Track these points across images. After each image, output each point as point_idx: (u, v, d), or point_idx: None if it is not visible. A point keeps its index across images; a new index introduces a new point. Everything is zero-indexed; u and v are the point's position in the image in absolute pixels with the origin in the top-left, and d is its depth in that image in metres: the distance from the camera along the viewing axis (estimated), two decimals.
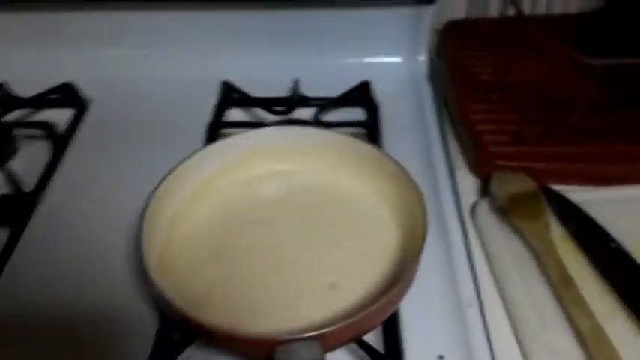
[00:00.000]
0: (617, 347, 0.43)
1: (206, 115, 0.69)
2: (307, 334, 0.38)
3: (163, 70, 0.75)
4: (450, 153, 0.64)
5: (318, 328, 0.41)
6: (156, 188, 0.49)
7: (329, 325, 0.39)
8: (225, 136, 0.66)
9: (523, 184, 0.56)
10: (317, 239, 0.50)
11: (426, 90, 0.74)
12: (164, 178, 0.50)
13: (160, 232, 0.49)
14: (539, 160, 0.59)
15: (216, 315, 0.44)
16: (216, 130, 0.67)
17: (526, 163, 0.59)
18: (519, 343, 0.46)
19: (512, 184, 0.56)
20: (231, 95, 0.72)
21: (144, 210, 0.47)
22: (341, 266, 0.48)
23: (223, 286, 0.47)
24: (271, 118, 0.69)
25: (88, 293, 0.51)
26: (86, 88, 0.73)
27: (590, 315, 0.45)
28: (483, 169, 0.61)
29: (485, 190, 0.59)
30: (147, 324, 0.47)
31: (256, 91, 0.72)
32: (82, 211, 0.58)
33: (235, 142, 0.54)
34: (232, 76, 0.73)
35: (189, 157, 0.52)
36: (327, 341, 0.39)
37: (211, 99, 0.72)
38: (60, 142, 0.66)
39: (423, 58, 0.77)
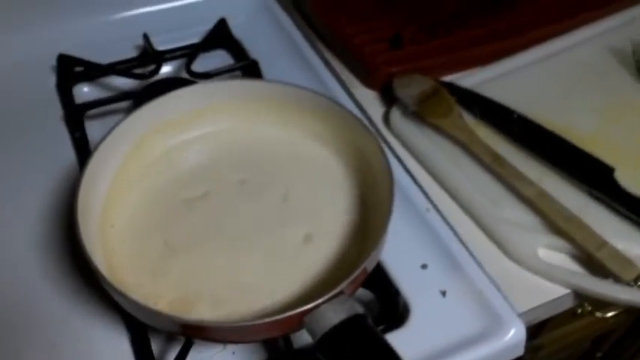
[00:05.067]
0: (562, 202, 0.48)
1: (49, 100, 0.58)
2: (332, 293, 0.35)
3: None
4: (337, 73, 0.63)
5: (326, 284, 0.39)
6: (76, 195, 0.40)
7: (342, 277, 0.37)
8: (91, 118, 0.56)
9: (423, 83, 0.58)
10: (267, 198, 0.46)
11: (282, 14, 0.70)
12: (79, 179, 0.40)
13: (97, 239, 0.40)
14: (424, 58, 0.61)
15: (207, 312, 0.39)
16: (76, 115, 0.56)
17: (413, 63, 0.60)
18: (483, 229, 0.49)
19: (414, 87, 0.58)
20: (72, 69, 0.61)
21: (75, 222, 0.38)
22: (304, 217, 0.45)
23: (193, 280, 0.41)
24: (132, 84, 0.60)
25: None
26: None
27: (530, 183, 0.49)
28: (377, 80, 0.61)
29: (388, 99, 0.59)
30: (113, 339, 0.42)
31: (99, 58, 0.61)
32: None
33: (137, 118, 0.45)
34: (63, 48, 0.61)
35: (95, 151, 0.43)
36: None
37: (52, 78, 0.60)
38: None
39: None
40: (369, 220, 0.45)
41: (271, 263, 0.43)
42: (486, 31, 0.62)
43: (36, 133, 0.55)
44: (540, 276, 0.46)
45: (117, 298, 0.37)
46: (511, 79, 0.60)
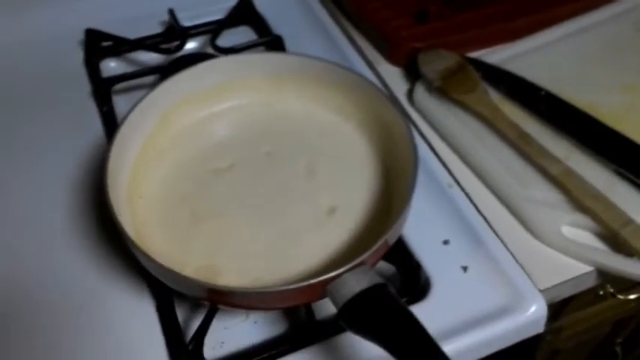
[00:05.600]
0: (588, 180, 0.47)
1: (77, 74, 0.59)
2: (354, 263, 0.36)
3: (5, 35, 0.61)
4: (361, 49, 0.62)
5: (348, 256, 0.40)
6: (105, 163, 0.40)
7: (364, 248, 0.37)
8: (118, 92, 0.57)
9: (448, 59, 0.57)
10: (292, 170, 0.46)
11: None
12: (108, 149, 0.41)
13: (125, 208, 0.41)
14: (449, 33, 0.60)
15: (232, 279, 0.40)
16: (104, 90, 0.57)
17: (438, 39, 0.60)
18: (507, 206, 0.49)
19: (438, 62, 0.57)
20: (100, 44, 0.61)
21: (104, 188, 0.39)
22: (329, 189, 0.45)
23: (219, 249, 0.42)
24: (159, 59, 0.61)
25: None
26: None
27: (557, 161, 0.49)
28: (400, 56, 0.60)
29: (412, 76, 0.59)
30: (139, 305, 0.43)
31: (127, 33, 0.61)
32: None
33: (164, 90, 0.46)
34: (91, 23, 0.62)
35: (123, 121, 0.43)
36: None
37: (75, 54, 0.60)
38: None
39: None
40: (392, 193, 0.45)
41: (295, 234, 0.43)
42: (513, 7, 0.61)
43: (64, 107, 0.56)
44: (563, 253, 0.46)
45: (145, 263, 0.38)
46: (538, 56, 0.59)
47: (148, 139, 0.46)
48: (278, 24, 0.64)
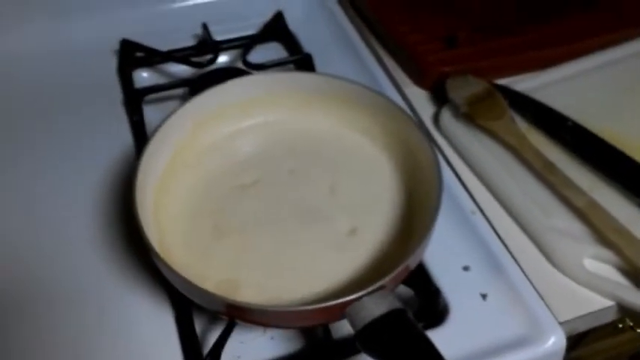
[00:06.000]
0: (612, 213, 0.47)
1: (109, 83, 0.60)
2: (374, 287, 0.36)
3: (43, 43, 0.63)
4: (389, 71, 0.63)
5: (367, 278, 0.40)
6: (134, 175, 0.41)
7: (384, 272, 0.37)
8: (149, 102, 0.58)
9: (475, 85, 0.57)
10: (314, 189, 0.47)
11: (337, 9, 0.71)
12: (138, 161, 0.42)
13: (150, 220, 0.42)
14: (478, 59, 0.61)
15: (251, 295, 0.40)
16: (135, 99, 0.58)
17: (467, 64, 0.60)
18: (529, 235, 0.48)
19: (466, 88, 0.57)
20: (133, 54, 0.63)
21: (132, 200, 0.40)
22: (350, 210, 0.46)
23: (240, 264, 0.43)
24: (190, 72, 0.62)
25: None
26: None
27: (581, 193, 0.49)
28: (428, 79, 0.61)
29: (439, 100, 0.59)
30: (158, 315, 0.44)
31: (158, 45, 0.63)
32: (17, 220, 0.50)
33: (195, 104, 0.47)
34: (128, 34, 0.63)
35: (153, 135, 0.44)
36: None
37: (113, 62, 0.62)
38: None
39: None
40: (414, 217, 0.45)
41: (316, 253, 0.44)
42: (543, 36, 0.62)
43: (96, 115, 0.58)
44: (585, 286, 0.46)
45: (167, 274, 0.39)
46: (566, 86, 0.59)
47: (176, 153, 0.47)
48: (308, 42, 0.65)
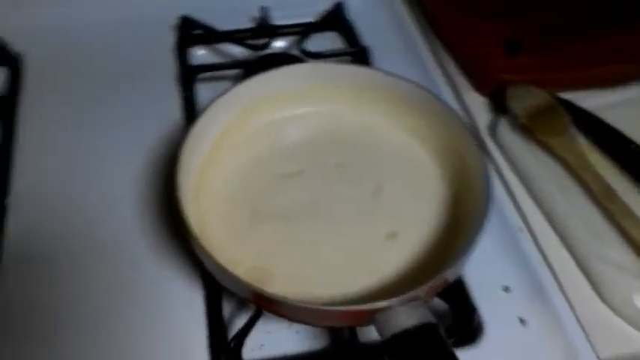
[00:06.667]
0: None
1: (168, 57, 0.60)
2: (407, 296, 0.34)
3: (108, 12, 0.63)
4: (448, 73, 0.61)
5: (400, 286, 0.39)
6: (180, 150, 0.41)
7: (420, 282, 0.36)
8: (201, 80, 0.58)
9: (538, 97, 0.55)
10: (359, 187, 0.46)
11: (399, 4, 0.69)
12: (184, 137, 0.42)
13: (191, 198, 0.42)
14: (543, 70, 0.58)
15: (282, 286, 0.39)
16: (189, 76, 0.58)
17: (530, 74, 0.57)
18: (579, 262, 0.46)
19: (528, 99, 0.54)
20: (191, 31, 0.63)
21: (175, 177, 0.40)
22: (393, 213, 0.44)
23: (274, 252, 0.42)
24: (245, 53, 0.61)
25: (108, 263, 0.45)
26: (14, 42, 0.60)
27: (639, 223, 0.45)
28: (487, 86, 0.58)
29: (497, 108, 0.57)
30: (188, 293, 0.44)
31: (218, 24, 0.62)
32: (69, 177, 0.51)
33: (248, 86, 0.46)
34: (188, 10, 0.63)
35: (203, 112, 0.44)
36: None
37: (170, 38, 0.62)
38: (4, 106, 0.54)
39: None
40: (458, 227, 0.43)
41: (353, 252, 0.42)
42: (616, 50, 0.58)
43: (148, 88, 0.57)
44: (631, 324, 0.43)
45: (200, 255, 0.38)
46: (636, 107, 0.55)
47: (224, 132, 0.46)
48: (367, 34, 0.64)
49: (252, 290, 0.36)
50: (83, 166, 0.51)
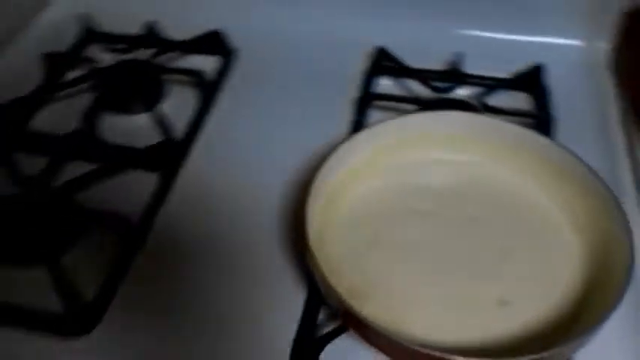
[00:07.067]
0: None
1: (353, 79, 0.64)
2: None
3: (315, 27, 0.70)
4: (637, 160, 0.55)
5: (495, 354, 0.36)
6: (324, 162, 0.45)
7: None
8: (376, 108, 0.61)
9: None
10: (486, 244, 0.44)
11: (607, 82, 0.64)
12: (332, 151, 0.45)
13: (318, 209, 0.44)
14: None
15: (376, 311, 0.40)
16: (366, 101, 0.61)
17: None
18: None
19: None
20: (383, 63, 0.66)
21: (310, 185, 0.43)
22: (512, 281, 0.42)
23: (382, 279, 0.43)
24: (426, 93, 0.63)
25: (233, 246, 0.49)
26: (234, 37, 0.69)
27: None
28: None
29: None
30: (290, 292, 0.46)
31: (410, 61, 0.65)
32: (233, 160, 0.57)
33: (411, 121, 0.49)
34: (386, 42, 0.67)
35: (356, 134, 0.47)
36: None
37: (360, 63, 0.66)
38: (209, 89, 0.63)
39: (605, 44, 0.67)
40: (582, 307, 0.40)
41: (458, 305, 0.41)
42: None
43: (327, 101, 0.62)
44: None
45: (311, 264, 0.41)
46: None
47: (371, 157, 0.48)
48: (559, 102, 0.60)
49: (344, 307, 0.37)
50: (248, 155, 0.57)
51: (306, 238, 0.40)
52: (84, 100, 0.61)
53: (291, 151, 0.56)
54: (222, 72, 0.66)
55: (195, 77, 0.63)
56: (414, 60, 0.65)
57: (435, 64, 0.65)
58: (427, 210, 0.47)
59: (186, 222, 0.51)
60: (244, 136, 0.59)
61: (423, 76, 0.64)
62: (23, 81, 0.63)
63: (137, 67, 0.65)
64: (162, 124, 0.58)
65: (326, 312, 0.45)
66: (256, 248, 0.49)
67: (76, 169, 0.53)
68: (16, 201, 0.50)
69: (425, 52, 0.66)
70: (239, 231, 0.51)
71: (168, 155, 0.56)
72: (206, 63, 0.67)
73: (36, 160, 0.54)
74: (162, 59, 0.67)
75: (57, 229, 0.49)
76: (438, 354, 0.33)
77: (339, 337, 0.41)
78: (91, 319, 0.44)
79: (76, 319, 0.44)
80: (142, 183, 0.53)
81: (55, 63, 0.65)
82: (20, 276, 0.46)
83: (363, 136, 0.47)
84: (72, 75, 0.64)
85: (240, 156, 0.57)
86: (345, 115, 0.60)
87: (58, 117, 0.60)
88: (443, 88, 0.62)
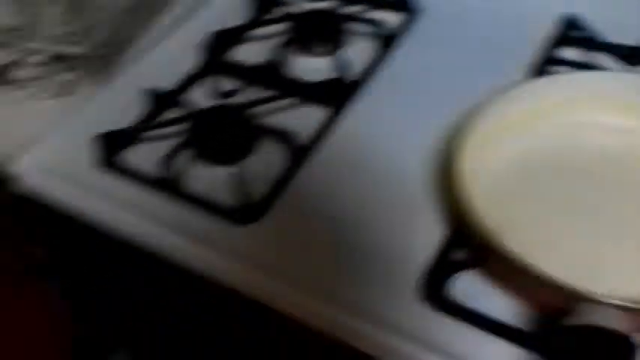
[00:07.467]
0: None
1: (529, 45, 0.63)
2: (617, 302, 0.31)
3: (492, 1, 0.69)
4: None
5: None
6: (480, 108, 0.46)
7: None
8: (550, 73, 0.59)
9: None
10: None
11: None
12: (488, 100, 0.46)
13: (473, 152, 0.45)
14: None
15: (515, 248, 0.40)
16: (543, 67, 0.60)
17: None
18: None
19: None
20: (570, 32, 0.63)
21: (466, 128, 0.45)
22: None
23: (527, 224, 0.43)
24: (612, 66, 0.59)
25: (379, 189, 0.52)
26: None
27: None
28: None
29: None
30: (427, 236, 0.47)
31: (603, 33, 0.62)
32: (398, 108, 0.60)
33: (584, 78, 0.49)
34: (577, 11, 0.64)
35: (519, 85, 0.47)
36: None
37: (546, 32, 0.64)
38: (387, 42, 0.66)
39: None
40: None
41: (605, 265, 0.40)
42: None
43: (498, 71, 0.60)
44: None
45: (457, 194, 0.42)
46: None
47: (537, 108, 0.48)
48: None
49: (487, 239, 0.39)
50: (414, 105, 0.59)
51: (458, 172, 0.42)
52: (275, 41, 0.68)
53: (456, 110, 0.56)
54: (403, 28, 0.68)
55: (376, 27, 0.66)
56: (607, 33, 0.61)
57: (628, 40, 0.61)
58: (588, 170, 0.45)
59: (347, 153, 0.56)
60: (411, 90, 0.61)
61: (613, 49, 0.60)
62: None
63: (323, 15, 0.70)
64: (339, 66, 0.63)
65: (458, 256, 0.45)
66: (405, 189, 0.52)
67: (261, 92, 0.61)
68: (212, 113, 0.58)
69: (622, 25, 0.62)
70: (391, 169, 0.53)
71: (339, 92, 0.60)
72: (389, 18, 0.70)
73: (231, 82, 0.63)
74: (349, 10, 0.71)
75: (240, 138, 0.57)
76: (586, 292, 0.33)
77: (467, 280, 0.42)
78: (255, 213, 0.51)
79: (244, 211, 0.50)
80: (312, 115, 0.59)
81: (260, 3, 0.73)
82: (209, 173, 0.55)
83: (528, 87, 0.47)
84: (268, 17, 0.72)
85: (405, 105, 0.60)
86: (517, 77, 0.59)
87: (254, 51, 0.68)
88: (634, 62, 0.58)
